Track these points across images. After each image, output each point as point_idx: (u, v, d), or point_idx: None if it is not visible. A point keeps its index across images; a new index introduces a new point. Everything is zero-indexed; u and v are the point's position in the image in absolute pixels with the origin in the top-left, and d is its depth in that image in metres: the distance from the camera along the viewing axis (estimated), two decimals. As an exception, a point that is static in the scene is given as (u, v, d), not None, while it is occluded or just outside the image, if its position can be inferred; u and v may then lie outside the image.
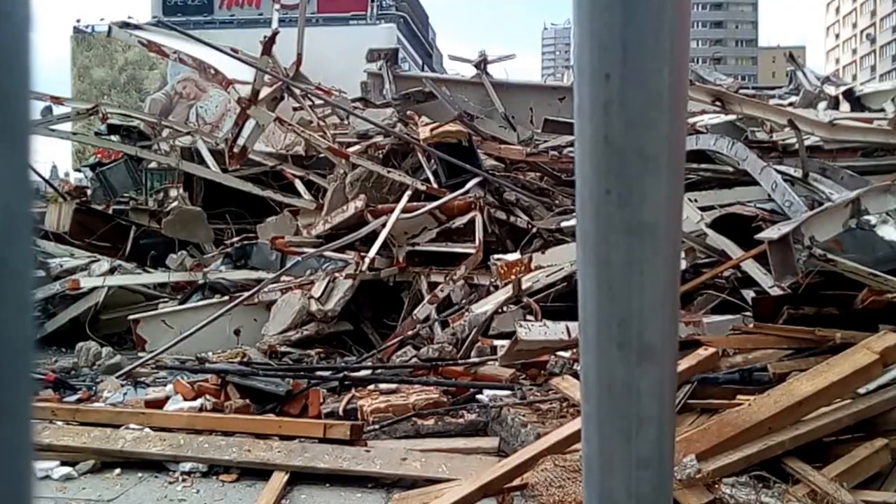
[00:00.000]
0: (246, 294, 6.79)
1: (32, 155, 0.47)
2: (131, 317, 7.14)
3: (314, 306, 6.62)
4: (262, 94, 8.49)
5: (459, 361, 5.31)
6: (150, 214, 9.68)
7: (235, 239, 8.77)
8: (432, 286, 6.86)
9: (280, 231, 8.08)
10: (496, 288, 6.29)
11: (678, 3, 0.52)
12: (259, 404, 4.60)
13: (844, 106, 8.99)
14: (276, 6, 9.38)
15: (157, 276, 8.27)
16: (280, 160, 9.73)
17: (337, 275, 6.80)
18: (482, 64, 10.84)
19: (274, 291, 6.92)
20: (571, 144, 8.61)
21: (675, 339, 0.61)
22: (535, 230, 7.21)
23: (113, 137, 10.63)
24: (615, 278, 0.56)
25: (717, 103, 6.65)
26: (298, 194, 9.02)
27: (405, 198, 7.37)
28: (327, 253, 7.11)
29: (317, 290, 6.72)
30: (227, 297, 7.05)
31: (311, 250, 7.24)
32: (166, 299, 7.83)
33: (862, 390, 3.25)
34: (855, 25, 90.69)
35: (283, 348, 6.38)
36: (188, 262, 8.57)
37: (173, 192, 9.47)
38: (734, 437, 2.97)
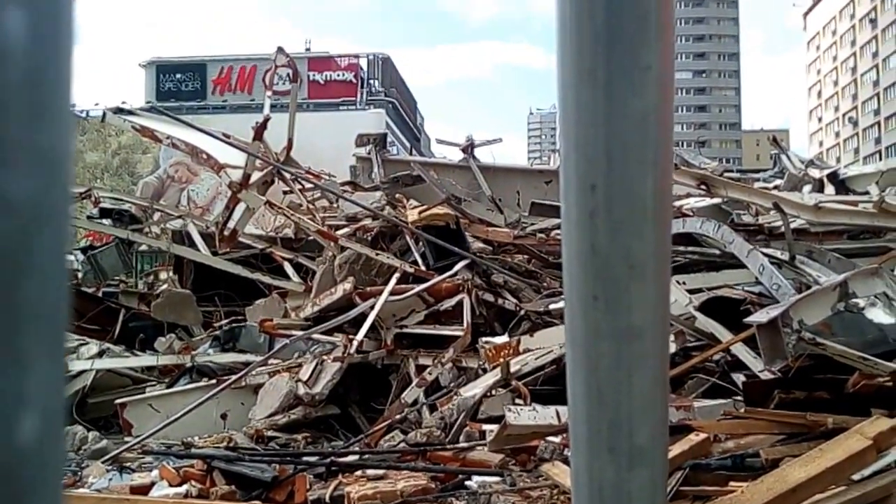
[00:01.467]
0: (233, 377, 6.72)
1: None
2: (118, 401, 7.04)
3: (302, 390, 6.54)
4: (252, 178, 8.58)
5: (448, 446, 5.23)
6: (140, 297, 9.65)
7: (224, 321, 8.73)
8: (420, 369, 6.80)
9: (269, 313, 8.05)
10: (484, 371, 6.24)
11: (661, 115, 0.54)
12: (245, 491, 4.50)
13: (829, 189, 9.15)
14: (268, 93, 9.56)
15: (145, 360, 8.20)
16: (270, 243, 9.78)
17: (325, 357, 6.75)
18: (469, 148, 11.02)
19: (262, 374, 6.85)
20: (558, 227, 8.70)
21: (666, 440, 0.62)
22: (523, 312, 7.20)
23: (105, 221, 10.68)
24: (604, 382, 0.57)
25: (703, 186, 6.76)
26: (287, 277, 9.03)
27: (393, 280, 7.38)
28: (315, 335, 7.07)
29: (305, 374, 6.65)
30: (214, 381, 6.97)
31: (300, 333, 7.20)
32: (154, 383, 7.74)
33: (856, 477, 3.21)
34: (837, 109, 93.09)
35: (270, 433, 6.27)
36: (176, 344, 8.50)
37: (163, 275, 9.47)
38: (729, 526, 2.92)
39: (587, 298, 0.56)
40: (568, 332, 0.59)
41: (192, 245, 9.74)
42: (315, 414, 6.64)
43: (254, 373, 6.81)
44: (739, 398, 4.71)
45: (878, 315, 4.60)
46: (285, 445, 6.11)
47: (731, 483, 3.42)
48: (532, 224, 9.03)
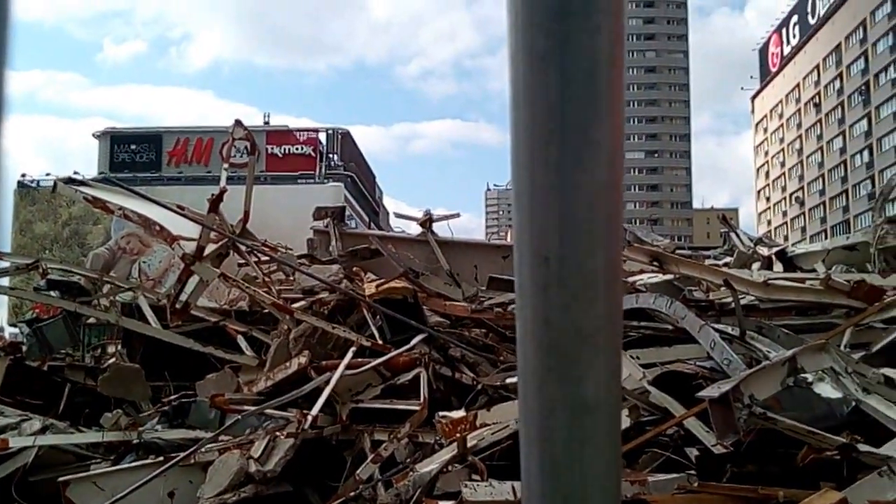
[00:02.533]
0: (182, 454, 6.52)
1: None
2: (61, 479, 6.76)
3: (253, 467, 6.37)
4: (207, 251, 8.51)
5: (403, 525, 5.11)
6: (87, 371, 9.39)
7: (173, 396, 8.51)
8: (376, 444, 6.68)
9: (220, 388, 7.88)
10: (441, 446, 6.16)
11: (611, 190, 0.56)
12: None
13: (777, 266, 9.36)
14: (225, 165, 9.57)
15: (91, 436, 7.91)
16: (223, 316, 9.64)
17: (278, 433, 6.60)
18: (427, 222, 11.10)
19: (212, 451, 6.66)
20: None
21: (620, 514, 0.62)
22: (480, 387, 7.17)
23: (52, 293, 10.45)
24: (558, 457, 0.57)
25: (655, 263, 6.87)
26: (241, 350, 8.88)
27: (350, 354, 7.31)
28: (269, 411, 6.92)
29: (256, 450, 6.48)
30: (162, 458, 6.76)
31: (252, 408, 7.05)
32: (99, 460, 7.47)
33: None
34: (784, 189, 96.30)
35: (220, 514, 6.07)
36: (123, 420, 8.24)
37: (111, 349, 9.25)
38: None
39: (542, 370, 0.56)
40: (522, 406, 0.59)
41: (143, 318, 9.56)
42: (267, 492, 6.45)
43: (203, 449, 6.62)
44: (693, 472, 4.71)
45: (826, 390, 4.67)
46: (234, 526, 5.91)
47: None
48: (489, 298, 9.06)
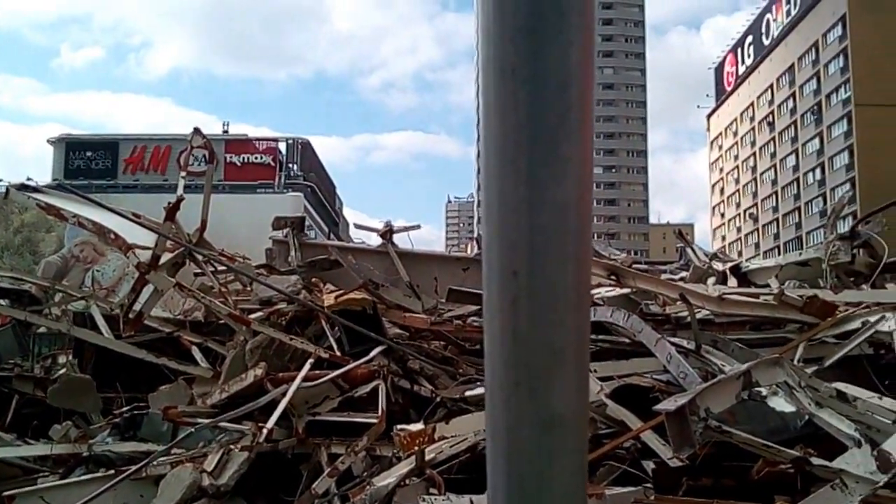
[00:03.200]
0: (133, 468, 6.39)
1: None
2: (6, 493, 6.58)
3: (206, 481, 6.26)
4: (162, 260, 8.38)
5: (360, 539, 5.07)
6: (36, 382, 9.16)
7: (125, 408, 8.35)
8: (333, 458, 6.62)
9: (174, 400, 7.74)
10: (399, 459, 6.12)
11: (580, 205, 0.56)
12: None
13: (732, 281, 9.51)
14: (183, 173, 9.44)
15: (38, 448, 7.72)
16: (178, 326, 9.48)
17: (232, 447, 6.51)
18: (388, 233, 11.07)
19: (164, 465, 6.53)
20: (476, 314, 8.76)
21: (585, 530, 0.61)
22: (439, 399, 7.15)
23: (2, 301, 10.20)
24: (525, 470, 0.56)
25: (613, 277, 6.93)
26: (195, 362, 8.74)
27: (307, 366, 7.24)
28: (223, 424, 6.82)
29: (210, 464, 6.38)
30: (112, 471, 6.61)
31: (206, 421, 6.94)
32: (47, 473, 7.28)
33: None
34: (739, 205, 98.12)
35: (170, 528, 5.96)
36: (73, 432, 8.06)
37: (62, 359, 9.04)
38: None
39: (510, 385, 0.56)
40: (489, 421, 0.59)
41: (95, 328, 9.37)
42: (220, 506, 6.36)
43: (155, 463, 6.49)
44: (649, 485, 4.75)
45: (780, 403, 4.74)
46: (187, 540, 5.80)
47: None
48: (449, 310, 9.06)
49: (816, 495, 3.71)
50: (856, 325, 6.23)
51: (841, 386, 5.18)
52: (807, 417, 4.53)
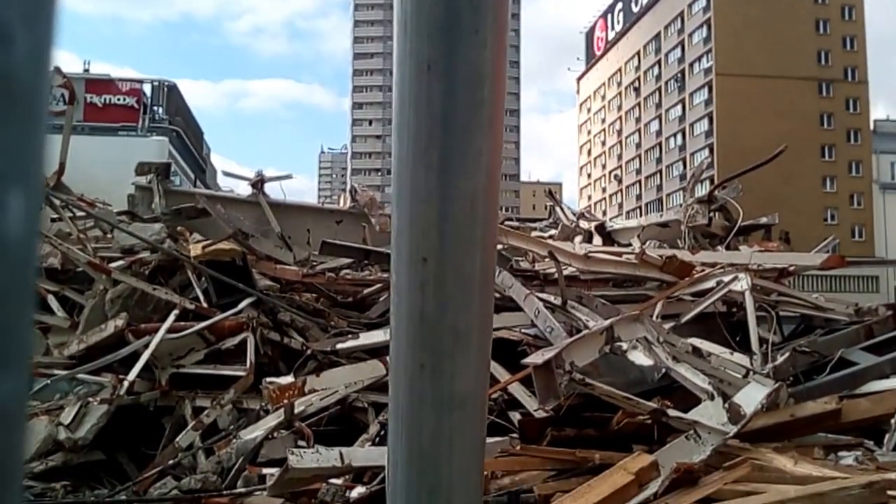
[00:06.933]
0: (-18, 422, 6.06)
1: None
2: None
3: (62, 434, 6.03)
4: (16, 203, 7.88)
5: (224, 492, 5.01)
6: None
7: (-27, 359, 7.88)
8: (198, 411, 6.49)
9: (28, 351, 7.37)
10: (267, 412, 6.07)
11: (488, 196, 0.58)
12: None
13: (597, 240, 9.86)
14: (39, 111, 8.86)
15: None
16: (32, 273, 8.98)
17: (91, 399, 6.28)
18: (259, 183, 10.79)
19: (16, 419, 6.23)
20: (348, 266, 8.71)
21: None
22: (309, 352, 7.11)
23: None
24: (426, 449, 0.59)
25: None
26: (51, 311, 8.32)
27: (171, 317, 7.02)
28: (81, 375, 6.56)
29: (66, 417, 6.14)
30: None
31: (63, 372, 6.65)
32: None
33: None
34: (605, 167, 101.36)
35: (24, 482, 5.71)
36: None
37: None
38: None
39: (414, 366, 0.58)
40: (392, 401, 0.61)
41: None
42: (77, 460, 6.13)
43: (8, 416, 6.19)
44: (515, 436, 4.93)
45: (639, 357, 4.99)
46: (41, 495, 5.58)
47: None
48: (322, 263, 8.98)
49: (672, 445, 3.93)
50: (711, 284, 6.60)
51: (696, 341, 5.53)
52: (664, 371, 4.79)
